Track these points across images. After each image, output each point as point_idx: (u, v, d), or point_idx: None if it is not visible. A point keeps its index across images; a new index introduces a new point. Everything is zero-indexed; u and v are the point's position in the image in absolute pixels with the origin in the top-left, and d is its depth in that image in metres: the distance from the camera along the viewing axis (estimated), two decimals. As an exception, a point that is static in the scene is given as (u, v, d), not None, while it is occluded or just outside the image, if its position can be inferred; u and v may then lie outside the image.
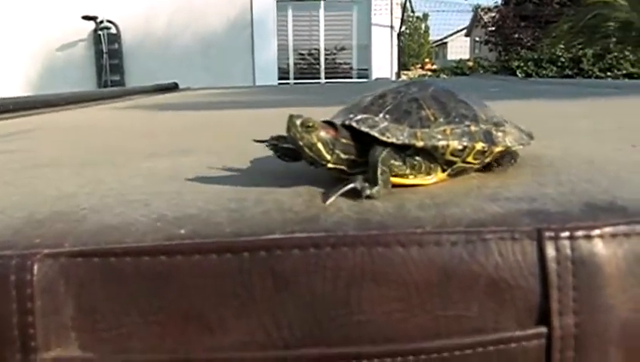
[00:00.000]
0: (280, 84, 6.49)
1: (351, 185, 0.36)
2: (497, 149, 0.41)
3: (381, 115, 0.40)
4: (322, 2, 6.79)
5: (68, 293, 0.30)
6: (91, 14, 6.45)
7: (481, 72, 6.62)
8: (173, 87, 3.11)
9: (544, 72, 5.93)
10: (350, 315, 0.30)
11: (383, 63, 6.84)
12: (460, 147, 0.39)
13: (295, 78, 7.00)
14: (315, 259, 0.30)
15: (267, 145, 0.45)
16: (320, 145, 0.37)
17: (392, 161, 0.38)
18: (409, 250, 0.30)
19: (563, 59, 6.08)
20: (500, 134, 0.41)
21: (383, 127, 0.38)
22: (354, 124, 0.39)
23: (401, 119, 0.39)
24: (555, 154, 0.50)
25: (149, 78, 5.37)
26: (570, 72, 5.92)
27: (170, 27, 6.58)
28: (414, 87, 0.43)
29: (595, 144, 0.57)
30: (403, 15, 7.17)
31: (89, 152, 0.69)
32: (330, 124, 0.39)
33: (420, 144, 0.38)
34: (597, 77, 5.71)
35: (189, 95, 2.61)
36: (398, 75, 7.04)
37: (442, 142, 0.38)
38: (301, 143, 0.37)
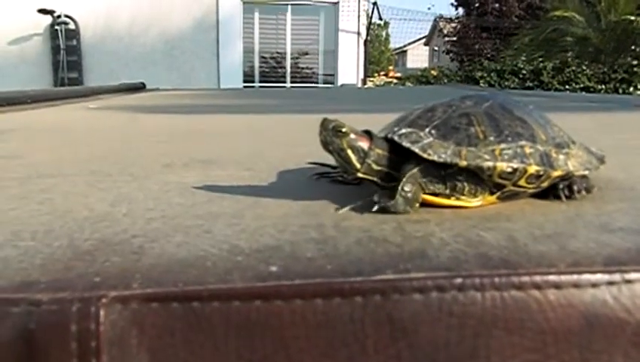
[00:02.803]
0: (245, 87, 6.41)
1: (369, 199, 0.35)
2: (555, 174, 0.37)
3: (427, 130, 0.37)
4: (289, 6, 6.75)
5: (141, 346, 0.25)
6: (48, 8, 6.19)
7: (445, 81, 6.71)
8: (140, 87, 3.00)
9: (506, 83, 6.07)
10: (477, 369, 0.26)
11: (349, 69, 6.85)
12: (510, 170, 0.35)
13: (260, 82, 6.93)
14: (438, 304, 0.26)
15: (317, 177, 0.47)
16: (350, 152, 0.36)
17: (425, 179, 0.35)
18: (545, 293, 0.26)
19: (524, 72, 6.24)
20: (561, 157, 0.38)
21: (425, 143, 0.36)
22: (396, 138, 0.37)
23: (447, 135, 0.36)
24: (622, 176, 0.47)
25: (109, 77, 5.20)
26: (531, 84, 6.07)
27: (133, 25, 6.39)
28: (469, 101, 0.40)
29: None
30: (369, 22, 7.20)
31: (91, 159, 0.62)
32: (367, 133, 0.37)
33: (464, 164, 0.35)
34: (556, 89, 5.89)
35: (160, 96, 2.52)
36: (364, 81, 7.07)
37: (489, 163, 0.35)
38: (331, 148, 0.36)
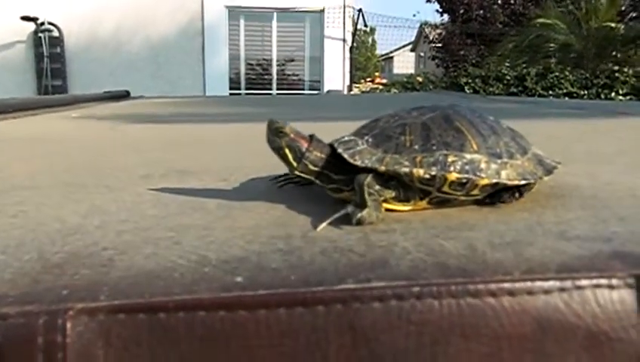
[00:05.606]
0: (231, 94, 6.41)
1: (343, 212, 0.36)
2: (483, 182, 0.38)
3: (365, 138, 0.40)
4: (275, 13, 6.77)
5: (108, 357, 0.25)
6: (31, 15, 6.15)
7: (431, 87, 6.75)
8: (124, 95, 2.99)
9: (491, 88, 6.13)
10: (435, 375, 0.27)
11: (335, 76, 6.88)
12: (428, 176, 0.37)
13: (246, 89, 6.93)
14: (397, 312, 0.27)
15: (278, 184, 0.48)
16: (287, 151, 0.39)
17: (378, 186, 0.37)
18: (500, 300, 0.27)
19: (508, 77, 6.31)
20: (493, 166, 0.38)
21: (357, 150, 0.39)
22: (335, 144, 0.40)
23: (379, 144, 0.39)
24: (587, 183, 0.48)
25: (93, 84, 5.17)
26: (515, 90, 6.14)
27: (118, 32, 6.37)
28: (416, 112, 0.42)
29: (616, 170, 0.56)
30: (355, 29, 7.24)
31: (68, 170, 0.63)
32: (310, 137, 0.40)
33: (382, 169, 0.37)
34: (540, 95, 5.96)
35: (144, 104, 2.51)
36: (350, 88, 7.10)
37: (406, 169, 0.37)
38: (272, 146, 0.39)
